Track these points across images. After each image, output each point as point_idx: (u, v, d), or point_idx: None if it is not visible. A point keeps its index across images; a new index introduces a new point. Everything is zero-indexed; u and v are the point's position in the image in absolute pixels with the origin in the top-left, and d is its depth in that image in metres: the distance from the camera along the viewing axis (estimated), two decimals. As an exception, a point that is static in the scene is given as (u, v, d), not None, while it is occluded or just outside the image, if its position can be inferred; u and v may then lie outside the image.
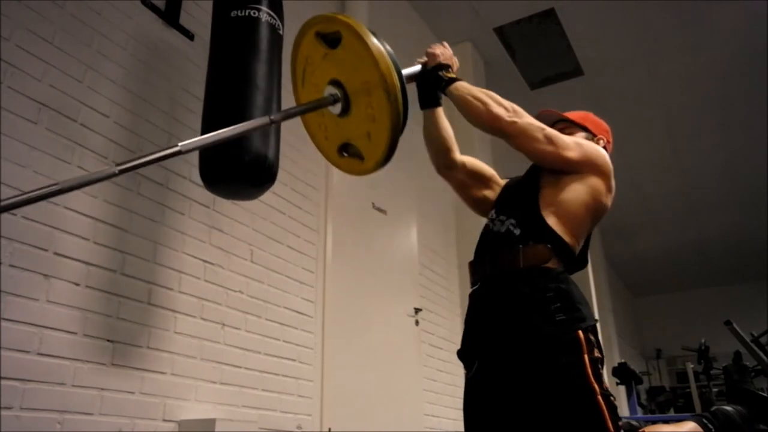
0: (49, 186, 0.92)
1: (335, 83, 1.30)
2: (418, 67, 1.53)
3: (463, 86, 1.47)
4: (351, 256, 3.11)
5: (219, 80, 1.94)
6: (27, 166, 1.70)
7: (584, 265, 1.46)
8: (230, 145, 1.83)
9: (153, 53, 2.22)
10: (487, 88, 1.46)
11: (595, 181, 1.41)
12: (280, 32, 2.06)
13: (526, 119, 1.41)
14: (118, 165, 1.02)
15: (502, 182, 1.65)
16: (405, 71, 1.32)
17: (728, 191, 7.19)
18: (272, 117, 1.26)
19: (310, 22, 1.35)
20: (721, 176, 6.85)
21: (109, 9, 2.08)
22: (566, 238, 1.35)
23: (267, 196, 2.51)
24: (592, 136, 1.58)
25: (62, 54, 1.87)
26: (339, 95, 1.29)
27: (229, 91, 1.89)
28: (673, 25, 4.52)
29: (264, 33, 1.96)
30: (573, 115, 1.62)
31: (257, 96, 1.88)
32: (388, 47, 1.22)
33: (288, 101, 2.74)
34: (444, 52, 1.55)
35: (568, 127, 1.60)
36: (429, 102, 1.58)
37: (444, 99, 1.57)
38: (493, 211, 1.51)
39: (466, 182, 1.65)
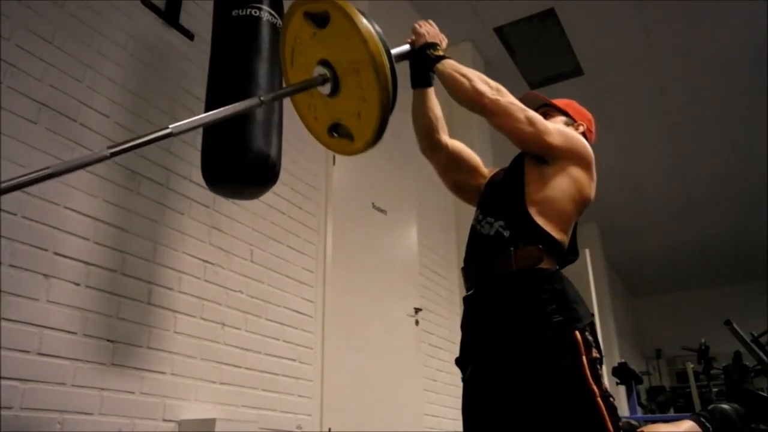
0: (42, 169, 0.91)
1: (324, 63, 1.29)
2: (406, 47, 1.52)
3: (450, 64, 1.46)
4: (351, 256, 3.11)
5: (221, 79, 1.94)
6: (27, 166, 1.70)
7: (576, 256, 1.45)
8: (232, 144, 1.83)
9: (153, 53, 2.22)
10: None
11: (578, 172, 1.40)
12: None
13: (509, 98, 1.40)
14: (109, 148, 1.01)
15: (487, 173, 1.64)
16: (394, 51, 1.31)
17: (728, 191, 7.18)
18: (262, 97, 1.25)
19: (298, 2, 1.33)
20: (721, 176, 6.84)
21: (109, 9, 2.08)
22: (556, 235, 1.34)
23: (267, 196, 2.51)
24: (572, 122, 1.59)
25: (62, 54, 1.87)
26: (328, 75, 1.28)
27: (230, 89, 1.89)
28: (673, 25, 4.52)
29: (265, 32, 1.97)
30: (557, 101, 1.63)
31: (259, 95, 1.88)
32: (377, 26, 1.21)
33: (287, 101, 2.75)
34: (429, 29, 1.53)
35: (551, 111, 1.61)
36: (419, 82, 1.56)
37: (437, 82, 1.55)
38: (478, 212, 1.50)
39: (447, 166, 1.63)
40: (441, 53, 1.49)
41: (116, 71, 2.06)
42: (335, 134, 1.41)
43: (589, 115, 1.64)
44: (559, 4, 4.28)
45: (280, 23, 2.06)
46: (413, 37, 1.54)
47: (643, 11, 4.38)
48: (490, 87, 1.41)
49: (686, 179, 6.95)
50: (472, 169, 1.63)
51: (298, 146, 2.81)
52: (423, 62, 1.49)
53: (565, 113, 1.60)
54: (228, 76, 1.92)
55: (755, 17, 4.40)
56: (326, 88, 1.30)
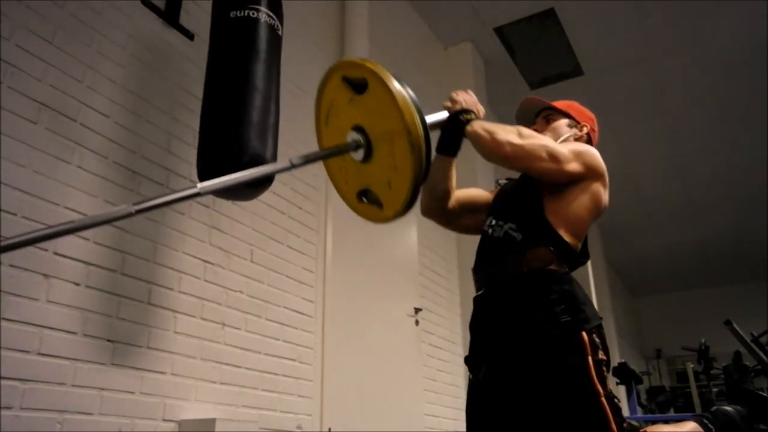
0: (65, 223, 0.90)
1: (359, 129, 1.29)
2: (442, 114, 1.49)
3: (478, 123, 1.44)
4: (351, 256, 3.11)
5: (218, 80, 1.94)
6: (27, 166, 1.70)
7: (587, 258, 1.46)
8: (228, 145, 1.82)
9: (153, 53, 2.22)
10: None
11: (594, 186, 1.41)
12: (279, 33, 2.06)
13: (530, 140, 1.38)
14: (135, 204, 1.00)
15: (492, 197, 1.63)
16: (429, 119, 1.30)
17: (728, 191, 7.19)
18: (293, 161, 1.23)
19: (337, 65, 1.35)
20: (721, 176, 6.84)
21: (109, 9, 2.08)
22: (568, 238, 1.35)
23: (267, 196, 2.51)
24: (576, 123, 1.58)
25: (62, 54, 1.87)
26: (362, 142, 1.28)
27: (227, 91, 1.89)
28: (673, 25, 4.52)
29: (263, 33, 1.96)
30: (558, 103, 1.62)
31: (256, 96, 1.88)
32: (414, 96, 1.20)
33: (287, 102, 2.77)
34: (467, 98, 1.51)
35: (553, 114, 1.60)
36: (446, 149, 1.53)
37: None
38: (490, 218, 1.50)
39: (452, 219, 1.63)
40: (473, 118, 1.46)
41: (116, 71, 2.06)
42: (364, 200, 1.40)
43: (592, 115, 1.64)
44: (559, 4, 4.28)
45: (278, 25, 2.05)
46: (449, 104, 1.51)
47: (643, 11, 4.38)
48: (509, 134, 1.38)
49: (686, 179, 6.95)
50: (482, 209, 1.61)
51: (297, 147, 2.81)
52: (454, 126, 1.47)
53: (567, 115, 1.60)
54: (225, 77, 1.92)
55: (755, 17, 4.40)
56: (359, 154, 1.30)
